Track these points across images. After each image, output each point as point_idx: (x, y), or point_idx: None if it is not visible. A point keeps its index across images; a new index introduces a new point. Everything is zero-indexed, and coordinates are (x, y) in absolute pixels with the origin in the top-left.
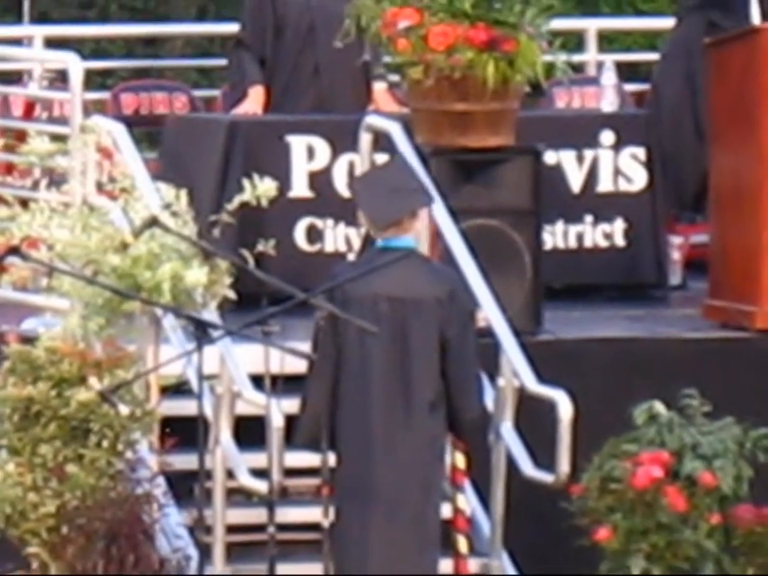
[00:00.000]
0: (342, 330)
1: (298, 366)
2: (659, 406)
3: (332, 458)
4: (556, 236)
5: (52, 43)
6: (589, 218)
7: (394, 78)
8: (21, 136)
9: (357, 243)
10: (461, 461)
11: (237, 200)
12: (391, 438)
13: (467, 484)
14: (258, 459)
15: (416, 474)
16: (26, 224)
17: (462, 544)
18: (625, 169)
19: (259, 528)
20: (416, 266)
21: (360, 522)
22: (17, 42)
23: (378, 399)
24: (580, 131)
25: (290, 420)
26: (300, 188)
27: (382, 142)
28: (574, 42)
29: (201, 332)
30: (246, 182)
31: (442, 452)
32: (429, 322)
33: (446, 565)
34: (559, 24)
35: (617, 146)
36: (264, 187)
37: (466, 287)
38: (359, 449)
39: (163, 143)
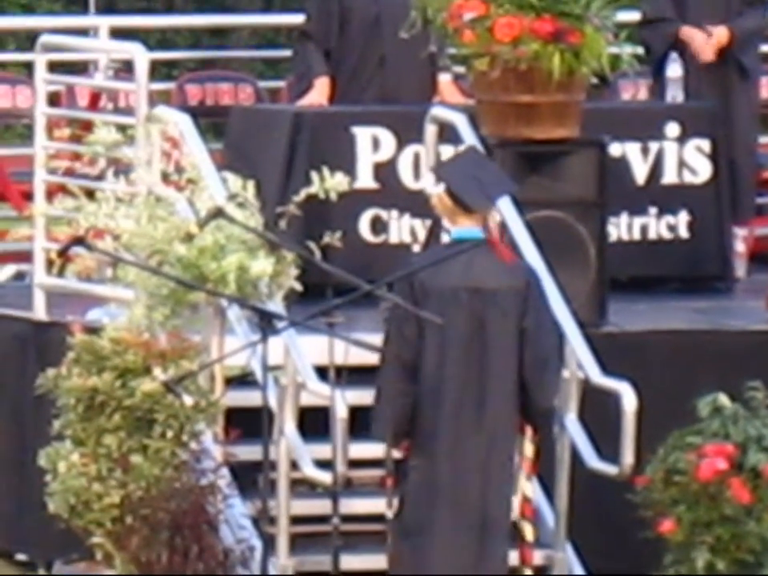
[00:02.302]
0: (422, 321)
1: (363, 357)
2: (724, 399)
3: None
4: (620, 228)
5: (118, 34)
6: (653, 210)
7: (460, 69)
8: (87, 126)
9: (422, 234)
10: (530, 450)
11: (304, 192)
12: (463, 432)
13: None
14: (323, 450)
15: (485, 470)
16: (92, 214)
17: (529, 532)
18: (690, 161)
19: (323, 519)
20: (492, 257)
21: (426, 516)
22: (83, 32)
23: (453, 393)
24: (645, 123)
25: (355, 411)
26: (365, 179)
27: (447, 133)
28: None
29: (266, 323)
30: (314, 175)
31: (513, 447)
32: (506, 312)
33: (512, 554)
34: (625, 16)
35: (682, 138)
36: (334, 181)
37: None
38: (429, 441)
39: (228, 134)
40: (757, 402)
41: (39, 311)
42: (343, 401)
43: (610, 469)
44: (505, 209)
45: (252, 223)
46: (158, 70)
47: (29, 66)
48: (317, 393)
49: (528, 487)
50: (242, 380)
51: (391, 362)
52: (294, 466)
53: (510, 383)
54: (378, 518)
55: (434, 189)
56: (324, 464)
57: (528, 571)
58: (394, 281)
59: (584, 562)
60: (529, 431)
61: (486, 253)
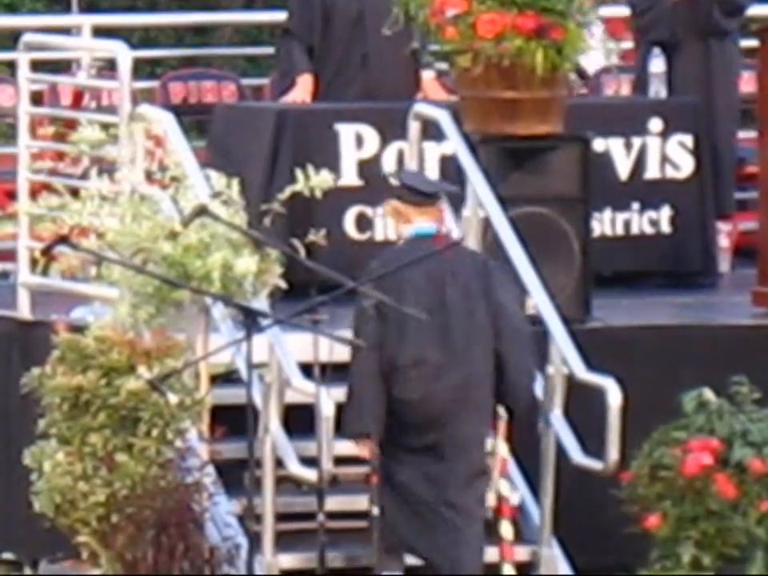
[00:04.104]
0: (386, 313)
1: (347, 355)
2: (709, 393)
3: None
4: (603, 223)
5: (101, 32)
6: (636, 205)
7: (443, 65)
8: (70, 125)
9: None
10: (504, 449)
11: (289, 190)
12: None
13: (511, 471)
14: (308, 447)
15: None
16: (76, 212)
17: (507, 531)
18: (672, 156)
19: (309, 516)
20: (450, 250)
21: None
22: (66, 31)
23: (425, 380)
24: (628, 119)
25: (340, 408)
26: (349, 176)
27: (430, 130)
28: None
29: (250, 321)
30: (299, 173)
31: (489, 414)
32: (468, 293)
33: (491, 552)
34: (607, 11)
35: (665, 134)
36: (318, 179)
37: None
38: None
39: (212, 132)
40: (742, 396)
41: (23, 310)
42: (328, 398)
43: (595, 464)
44: (488, 205)
45: (236, 221)
46: (141, 69)
47: (12, 65)
48: (302, 390)
49: (503, 486)
50: (226, 378)
51: (361, 361)
52: (280, 463)
53: (485, 365)
54: (364, 514)
55: (385, 203)
56: (309, 461)
57: (509, 569)
58: (377, 277)
59: (570, 558)
60: (503, 429)
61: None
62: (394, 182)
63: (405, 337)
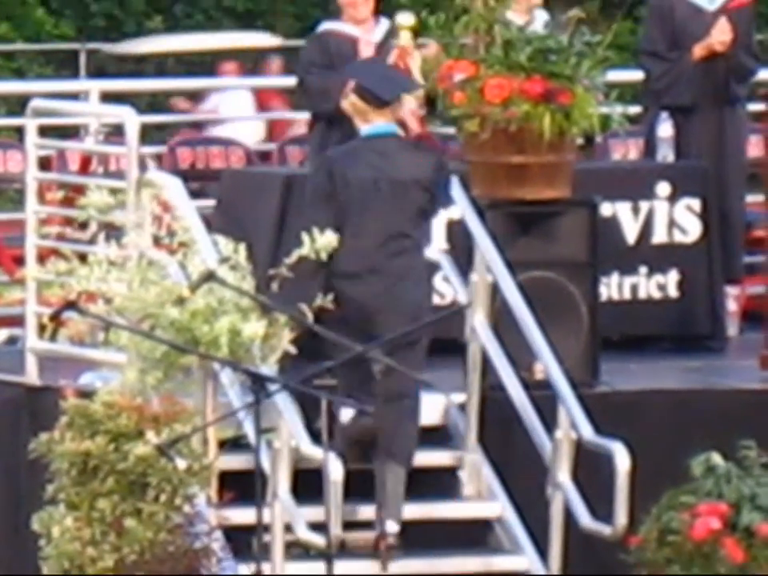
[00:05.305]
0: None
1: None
2: (717, 458)
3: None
4: (611, 287)
5: (108, 97)
6: (643, 270)
7: (449, 130)
8: (78, 190)
9: None
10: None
11: (295, 254)
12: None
13: None
14: (316, 512)
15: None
16: (84, 278)
17: None
18: (680, 220)
19: None
20: (406, 150)
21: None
22: (73, 96)
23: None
24: (636, 183)
25: (348, 473)
26: None
27: None
28: (629, 93)
29: (258, 386)
30: (304, 236)
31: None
32: (417, 200)
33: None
34: (615, 76)
35: (672, 198)
36: (324, 241)
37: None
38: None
39: (219, 197)
40: (750, 460)
41: (32, 376)
42: (336, 463)
43: (603, 529)
44: (496, 269)
45: (244, 286)
46: (148, 134)
47: (20, 131)
48: (310, 456)
49: None
50: (235, 443)
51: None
52: (288, 528)
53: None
54: None
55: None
56: (318, 526)
57: None
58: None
59: None
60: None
61: (401, 146)
62: (351, 81)
63: (345, 220)
